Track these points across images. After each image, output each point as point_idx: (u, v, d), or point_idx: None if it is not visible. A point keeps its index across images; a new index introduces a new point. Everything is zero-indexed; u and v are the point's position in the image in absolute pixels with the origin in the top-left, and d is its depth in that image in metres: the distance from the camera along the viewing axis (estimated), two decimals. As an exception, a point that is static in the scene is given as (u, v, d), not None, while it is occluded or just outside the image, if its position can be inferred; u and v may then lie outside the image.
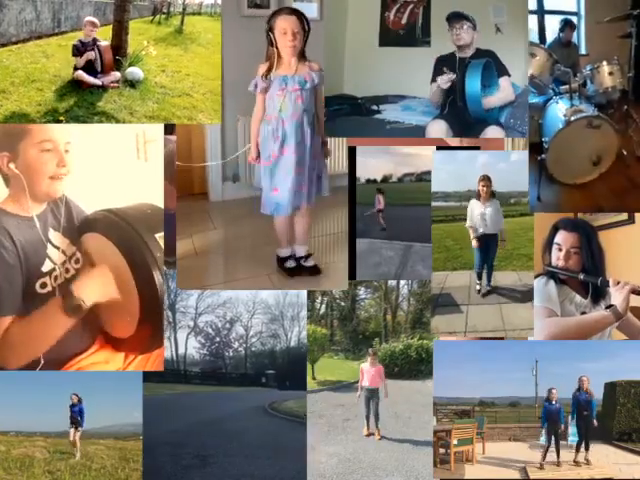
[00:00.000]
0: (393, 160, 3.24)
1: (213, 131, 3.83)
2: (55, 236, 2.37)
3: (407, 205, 3.33)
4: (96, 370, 2.57)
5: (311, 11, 3.78)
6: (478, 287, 3.21)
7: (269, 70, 2.94)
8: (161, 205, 2.62)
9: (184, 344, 3.42)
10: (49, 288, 2.32)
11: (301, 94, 2.96)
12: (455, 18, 3.09)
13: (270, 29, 2.90)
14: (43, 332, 2.26)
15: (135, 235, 2.32)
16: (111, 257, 2.34)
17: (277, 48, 2.90)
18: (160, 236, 2.38)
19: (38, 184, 2.26)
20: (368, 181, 3.22)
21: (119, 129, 3.04)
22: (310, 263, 3.30)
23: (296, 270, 3.28)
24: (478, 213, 3.21)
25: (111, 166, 2.86)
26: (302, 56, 2.97)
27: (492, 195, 3.18)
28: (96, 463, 2.89)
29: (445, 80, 3.14)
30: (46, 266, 2.32)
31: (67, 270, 2.40)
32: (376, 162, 3.22)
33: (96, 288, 2.28)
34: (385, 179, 3.26)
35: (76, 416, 2.96)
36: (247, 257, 3.42)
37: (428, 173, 3.15)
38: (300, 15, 2.92)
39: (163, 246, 2.40)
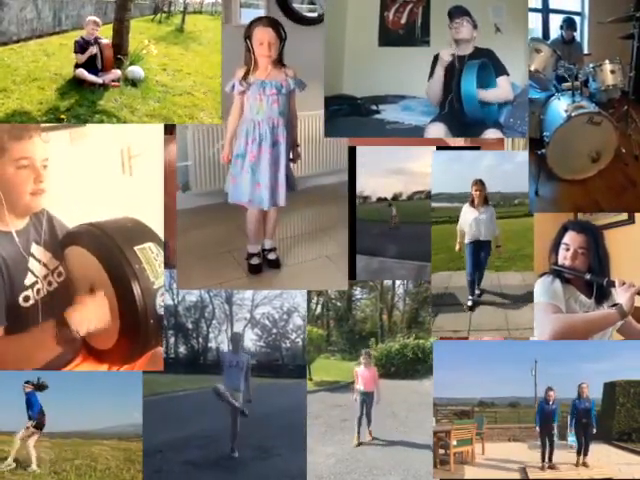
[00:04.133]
0: (401, 179, 3.25)
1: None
2: (37, 250, 2.36)
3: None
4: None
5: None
6: (470, 301, 3.18)
7: (247, 74, 3.05)
8: (145, 218, 2.57)
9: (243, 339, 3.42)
10: (32, 302, 2.30)
11: (277, 98, 3.08)
12: (456, 13, 3.10)
13: (248, 37, 3.01)
14: (32, 354, 2.27)
15: (115, 248, 2.34)
16: (93, 270, 2.34)
17: (254, 55, 3.02)
18: (140, 248, 2.38)
19: (19, 199, 2.26)
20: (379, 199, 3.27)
21: (104, 145, 3.05)
22: (272, 256, 3.41)
23: (258, 268, 3.36)
24: (472, 219, 3.20)
25: (97, 181, 2.90)
26: (279, 62, 3.08)
27: (485, 200, 3.18)
28: (101, 464, 2.88)
29: (446, 53, 3.13)
30: (28, 279, 2.31)
31: (50, 283, 2.39)
32: (385, 181, 3.25)
33: (92, 318, 2.26)
34: (395, 197, 3.28)
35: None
36: (198, 267, 3.32)
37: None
38: (276, 25, 3.03)
39: (145, 256, 2.39)
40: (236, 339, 3.29)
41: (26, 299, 2.29)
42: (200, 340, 3.58)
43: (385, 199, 3.28)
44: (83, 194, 2.77)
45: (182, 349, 3.54)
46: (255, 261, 3.37)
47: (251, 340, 3.51)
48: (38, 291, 2.33)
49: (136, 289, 2.30)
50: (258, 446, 3.16)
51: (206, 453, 3.11)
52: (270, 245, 3.42)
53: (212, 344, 3.53)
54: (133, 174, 3.07)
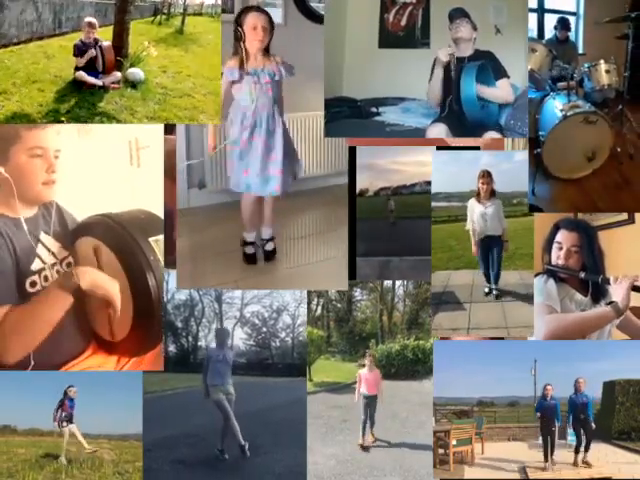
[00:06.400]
0: (371, 175, 3.25)
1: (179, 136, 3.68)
2: (46, 239, 2.37)
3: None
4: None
5: (276, 16, 3.83)
6: (487, 289, 3.19)
7: (242, 63, 3.08)
8: (154, 210, 2.62)
9: (230, 335, 3.42)
10: (39, 287, 2.30)
11: (272, 86, 3.13)
12: (456, 15, 3.13)
13: (239, 25, 3.05)
14: (41, 315, 2.19)
15: (130, 239, 2.34)
16: (106, 260, 2.34)
17: (244, 43, 3.05)
18: (154, 239, 2.40)
19: (29, 188, 2.26)
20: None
21: (112, 136, 3.05)
22: (269, 247, 3.42)
23: (252, 258, 3.37)
24: (478, 213, 3.17)
25: (105, 173, 2.89)
26: (266, 52, 3.12)
27: (492, 194, 3.15)
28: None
29: (444, 53, 3.14)
30: (36, 265, 2.31)
31: (58, 272, 2.39)
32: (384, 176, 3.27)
33: (94, 275, 2.25)
34: (361, 193, 3.26)
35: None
36: (213, 265, 3.33)
37: (404, 187, 3.23)
38: (267, 13, 3.09)
39: (159, 248, 2.41)
40: (221, 334, 3.26)
41: (33, 284, 2.29)
42: (190, 339, 3.57)
43: (384, 193, 3.29)
44: (92, 186, 2.76)
45: (172, 348, 3.52)
46: (250, 250, 3.36)
47: (241, 339, 3.51)
48: (45, 278, 2.33)
49: (151, 280, 2.31)
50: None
51: (195, 452, 3.11)
52: (269, 235, 3.41)
53: (202, 343, 3.52)
54: (141, 165, 3.05)
